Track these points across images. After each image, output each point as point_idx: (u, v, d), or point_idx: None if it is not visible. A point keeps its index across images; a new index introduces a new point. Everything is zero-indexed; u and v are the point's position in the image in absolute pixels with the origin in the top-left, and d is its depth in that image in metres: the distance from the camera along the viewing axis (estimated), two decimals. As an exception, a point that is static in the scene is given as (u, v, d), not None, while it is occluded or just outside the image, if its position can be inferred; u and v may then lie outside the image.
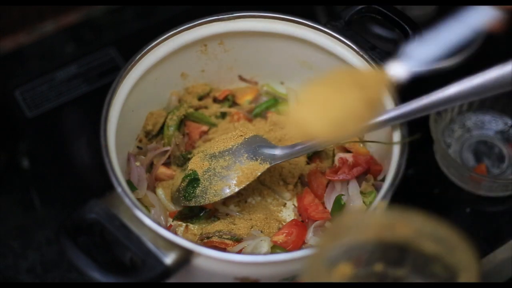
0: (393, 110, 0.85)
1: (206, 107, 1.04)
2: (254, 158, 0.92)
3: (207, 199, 0.92)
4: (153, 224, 0.76)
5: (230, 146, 0.93)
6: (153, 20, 1.33)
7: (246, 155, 0.92)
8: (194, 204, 0.93)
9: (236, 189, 0.91)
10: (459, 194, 1.07)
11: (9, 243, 1.08)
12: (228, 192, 0.91)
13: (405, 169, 0.81)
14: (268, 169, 0.95)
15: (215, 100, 1.05)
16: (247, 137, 0.93)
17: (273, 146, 0.93)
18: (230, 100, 1.05)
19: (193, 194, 0.92)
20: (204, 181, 0.93)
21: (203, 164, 0.94)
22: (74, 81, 1.20)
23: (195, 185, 0.93)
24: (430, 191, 1.08)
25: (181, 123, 1.02)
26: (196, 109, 1.03)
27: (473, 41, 1.24)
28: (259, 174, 0.91)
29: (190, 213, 0.95)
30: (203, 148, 0.96)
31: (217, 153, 0.93)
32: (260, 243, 0.89)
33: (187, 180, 0.94)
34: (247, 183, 0.91)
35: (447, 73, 1.21)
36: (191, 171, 0.94)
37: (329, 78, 0.76)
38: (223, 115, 1.04)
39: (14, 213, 1.12)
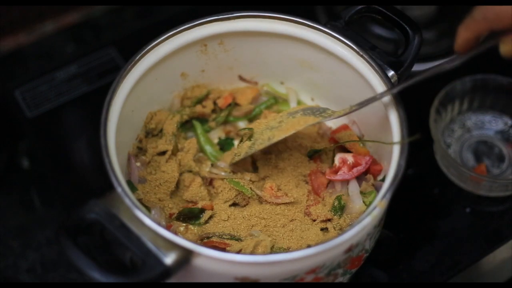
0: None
1: (205, 107, 1.04)
2: (308, 114, 0.92)
3: (254, 148, 0.92)
4: (153, 224, 0.76)
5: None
6: (153, 20, 1.33)
7: (301, 112, 0.92)
8: (244, 156, 0.93)
9: (282, 136, 0.90)
10: (459, 194, 1.07)
11: (9, 243, 1.08)
12: (273, 140, 0.91)
13: (405, 169, 0.81)
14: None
15: (214, 111, 1.05)
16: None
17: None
18: (232, 105, 1.05)
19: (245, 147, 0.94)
20: (256, 134, 0.93)
21: (260, 123, 0.95)
22: (74, 81, 1.20)
23: (248, 139, 0.94)
24: (430, 191, 1.08)
25: (181, 124, 1.02)
26: (196, 113, 1.04)
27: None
28: (309, 123, 0.90)
29: (190, 213, 0.95)
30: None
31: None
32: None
33: (245, 138, 0.95)
34: (293, 131, 0.90)
35: (447, 73, 1.21)
36: (251, 129, 0.95)
37: None
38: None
39: (14, 213, 1.12)
